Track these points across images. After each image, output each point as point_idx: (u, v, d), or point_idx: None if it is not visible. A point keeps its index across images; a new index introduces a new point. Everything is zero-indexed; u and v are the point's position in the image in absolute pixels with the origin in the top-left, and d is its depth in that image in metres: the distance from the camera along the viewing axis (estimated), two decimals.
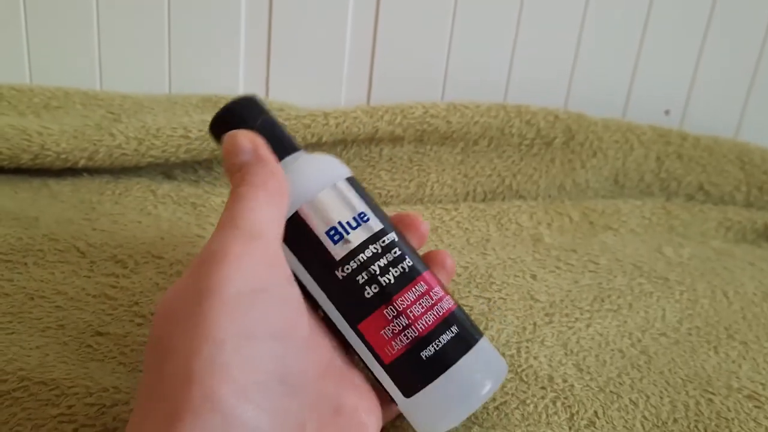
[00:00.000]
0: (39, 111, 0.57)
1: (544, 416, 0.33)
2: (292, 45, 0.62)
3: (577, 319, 0.41)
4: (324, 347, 0.28)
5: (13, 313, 0.36)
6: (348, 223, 0.29)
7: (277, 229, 0.27)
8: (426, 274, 0.29)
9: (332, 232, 0.28)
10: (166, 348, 0.23)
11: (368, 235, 0.29)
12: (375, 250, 0.28)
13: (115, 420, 0.29)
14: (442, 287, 0.30)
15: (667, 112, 0.66)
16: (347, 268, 0.28)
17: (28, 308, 0.36)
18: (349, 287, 0.28)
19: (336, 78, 0.63)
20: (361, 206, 0.29)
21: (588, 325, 0.41)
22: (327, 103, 0.60)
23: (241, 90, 0.63)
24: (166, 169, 0.55)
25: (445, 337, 0.28)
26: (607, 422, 0.33)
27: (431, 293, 0.29)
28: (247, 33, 0.62)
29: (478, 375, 0.29)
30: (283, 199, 0.27)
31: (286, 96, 0.63)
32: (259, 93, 0.63)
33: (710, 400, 0.36)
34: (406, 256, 0.29)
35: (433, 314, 0.28)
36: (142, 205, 0.50)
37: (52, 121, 0.54)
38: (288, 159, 0.30)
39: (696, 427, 0.34)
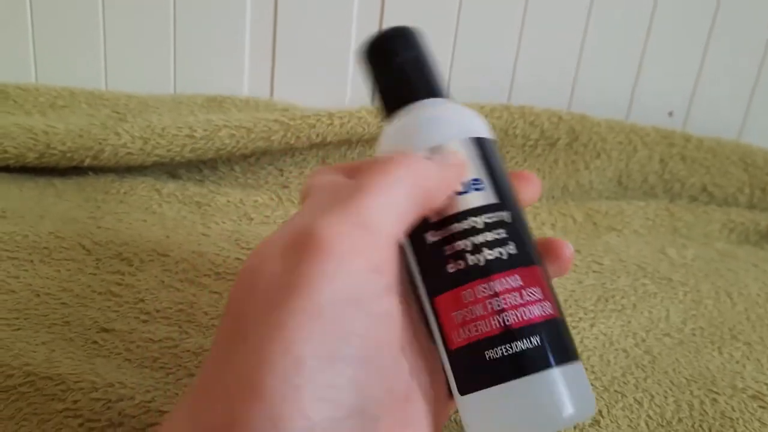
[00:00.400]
0: (45, 110, 0.58)
1: None
2: (297, 45, 0.62)
3: (581, 318, 0.41)
4: (417, 366, 0.25)
5: (19, 310, 0.36)
6: None
7: (398, 227, 0.23)
8: (529, 270, 0.25)
9: None
10: (241, 328, 0.20)
11: (473, 206, 0.25)
12: (475, 224, 0.25)
13: (120, 415, 0.29)
14: (546, 291, 0.25)
15: (670, 114, 0.66)
16: (438, 234, 0.25)
17: (34, 305, 0.36)
18: (435, 255, 0.25)
19: (341, 78, 0.63)
20: (480, 172, 0.25)
21: (592, 325, 0.41)
22: (332, 103, 0.60)
23: (246, 90, 0.63)
24: (170, 169, 0.55)
25: (521, 345, 0.24)
26: (611, 421, 0.33)
27: (525, 292, 0.24)
28: (252, 33, 0.62)
29: (549, 399, 0.24)
30: (421, 196, 0.24)
31: (291, 96, 0.63)
32: (263, 93, 0.64)
33: (714, 399, 0.36)
34: (512, 242, 0.25)
35: (516, 315, 0.24)
36: (147, 204, 0.50)
37: (58, 121, 0.54)
38: (426, 102, 0.27)
39: (700, 426, 0.34)
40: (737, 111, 0.67)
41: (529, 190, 0.28)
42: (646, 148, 0.60)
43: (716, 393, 0.36)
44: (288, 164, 0.57)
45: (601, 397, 0.35)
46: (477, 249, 0.24)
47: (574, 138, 0.58)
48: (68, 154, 0.52)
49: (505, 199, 0.26)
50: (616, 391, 0.35)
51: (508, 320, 0.24)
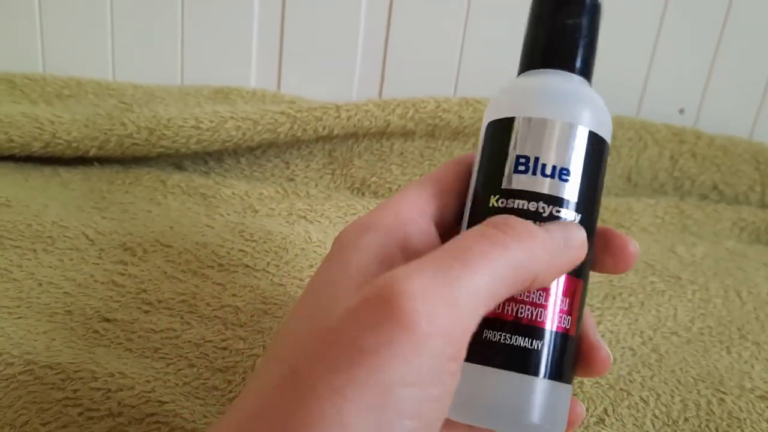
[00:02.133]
0: (51, 100, 0.58)
1: None
2: (304, 38, 0.62)
3: None
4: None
5: (21, 298, 0.36)
6: (543, 165, 0.24)
7: (488, 308, 0.20)
8: (572, 280, 0.24)
9: (522, 161, 0.24)
10: (296, 379, 0.19)
11: (544, 192, 0.23)
12: (532, 209, 0.23)
13: (120, 405, 0.28)
14: (574, 306, 0.24)
15: (681, 111, 0.65)
16: (499, 203, 0.24)
17: (36, 294, 0.36)
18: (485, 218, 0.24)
19: (348, 72, 0.63)
20: (573, 165, 0.24)
21: (599, 323, 0.40)
22: (339, 96, 0.59)
23: (253, 82, 0.63)
24: (176, 160, 0.55)
25: (520, 342, 0.23)
26: (617, 419, 0.33)
27: (556, 297, 0.23)
28: (259, 26, 0.61)
29: (519, 402, 0.23)
30: (527, 279, 0.21)
31: (298, 89, 0.62)
32: (270, 85, 0.63)
33: (722, 399, 0.35)
34: None
35: (532, 314, 0.23)
36: (151, 194, 0.50)
37: (64, 110, 0.54)
38: (573, 76, 0.25)
39: (707, 426, 0.33)
40: (749, 109, 0.66)
41: (616, 258, 0.25)
42: (656, 145, 0.59)
43: (724, 393, 0.35)
44: (294, 157, 0.57)
45: (607, 395, 0.34)
46: None
47: None
48: (74, 144, 0.51)
49: (582, 203, 0.24)
50: (621, 389, 0.35)
51: (522, 313, 0.23)
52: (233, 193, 0.52)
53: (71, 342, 0.32)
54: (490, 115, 0.25)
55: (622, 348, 0.39)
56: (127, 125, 0.52)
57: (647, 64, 0.64)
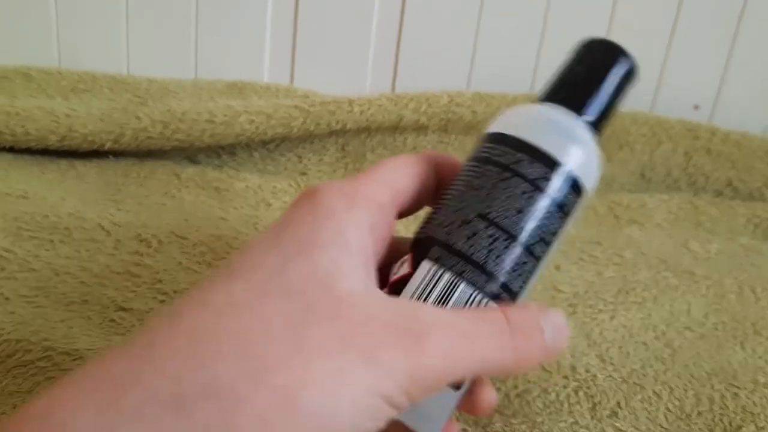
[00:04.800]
0: (67, 94, 0.58)
1: (566, 405, 0.33)
2: (317, 32, 0.62)
3: (600, 310, 0.41)
4: None
5: (39, 288, 0.36)
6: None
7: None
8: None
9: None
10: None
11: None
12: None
13: None
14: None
15: (696, 107, 0.65)
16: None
17: (54, 283, 0.37)
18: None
19: (361, 66, 0.63)
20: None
21: (612, 317, 0.40)
22: (352, 90, 0.59)
23: (266, 77, 0.63)
24: (190, 154, 0.56)
25: None
26: (630, 413, 0.33)
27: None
28: (273, 20, 0.62)
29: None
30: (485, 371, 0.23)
31: (311, 83, 0.63)
32: (283, 80, 0.64)
33: (735, 394, 0.35)
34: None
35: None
36: (166, 188, 0.51)
37: (80, 104, 0.54)
38: (580, 122, 0.26)
39: (721, 420, 0.33)
40: (765, 105, 0.65)
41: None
42: (670, 141, 0.59)
43: (737, 387, 0.35)
44: (307, 151, 0.57)
45: (620, 389, 0.34)
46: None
47: None
48: (89, 138, 0.52)
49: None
50: (635, 383, 0.35)
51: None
52: (247, 187, 0.52)
53: (88, 330, 0.33)
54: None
55: (635, 342, 0.38)
56: (142, 119, 0.52)
57: (662, 60, 0.64)
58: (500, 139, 0.25)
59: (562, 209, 0.25)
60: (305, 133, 0.54)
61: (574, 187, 0.25)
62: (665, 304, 0.43)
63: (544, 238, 0.24)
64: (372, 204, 0.23)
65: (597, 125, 0.26)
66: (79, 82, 0.59)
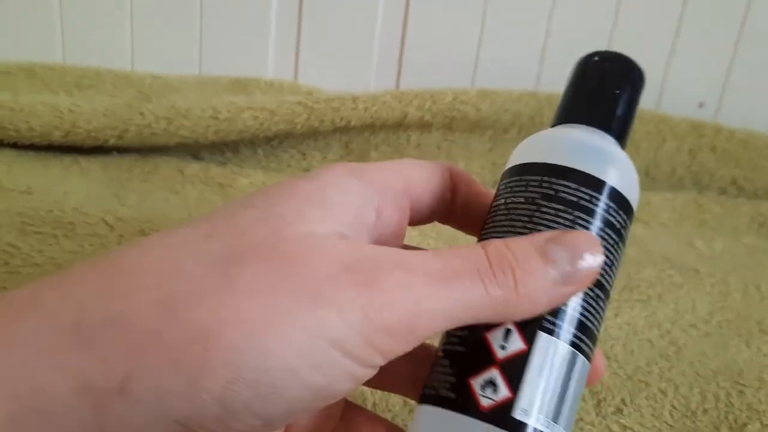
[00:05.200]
0: (71, 90, 0.58)
1: None
2: (322, 28, 0.62)
3: None
4: None
5: None
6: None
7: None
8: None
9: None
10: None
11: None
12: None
13: None
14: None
15: (700, 105, 0.65)
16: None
17: None
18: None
19: (365, 62, 0.63)
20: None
21: (616, 315, 0.40)
22: (356, 87, 0.59)
23: (270, 73, 0.63)
24: (194, 150, 0.56)
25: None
26: (635, 410, 0.33)
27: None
28: (277, 16, 0.62)
29: None
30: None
31: (315, 80, 0.62)
32: (288, 76, 0.63)
33: (741, 392, 0.35)
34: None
35: None
36: (170, 184, 0.50)
37: (84, 100, 0.54)
38: (604, 134, 0.24)
39: (726, 418, 0.33)
40: None
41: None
42: (675, 139, 0.58)
43: (743, 385, 0.35)
44: (311, 148, 0.57)
45: (625, 386, 0.34)
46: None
47: None
48: (93, 134, 0.52)
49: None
50: (639, 380, 0.35)
51: None
52: (250, 183, 0.52)
53: None
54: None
55: (640, 340, 0.38)
56: (146, 115, 0.52)
57: (667, 58, 0.63)
58: (559, 171, 0.23)
59: (624, 241, 0.23)
60: (309, 129, 0.54)
61: (630, 215, 0.23)
62: (670, 302, 0.42)
63: (613, 276, 0.23)
64: (379, 183, 0.21)
65: (624, 139, 0.25)
66: (83, 78, 0.59)
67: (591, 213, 0.22)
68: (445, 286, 0.18)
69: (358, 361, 0.17)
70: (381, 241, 0.21)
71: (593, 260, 0.20)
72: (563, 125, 0.25)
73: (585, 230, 0.22)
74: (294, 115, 0.53)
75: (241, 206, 0.19)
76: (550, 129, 0.25)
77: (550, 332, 0.21)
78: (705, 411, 0.33)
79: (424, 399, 0.22)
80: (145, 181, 0.50)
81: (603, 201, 0.22)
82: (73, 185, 0.48)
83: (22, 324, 0.16)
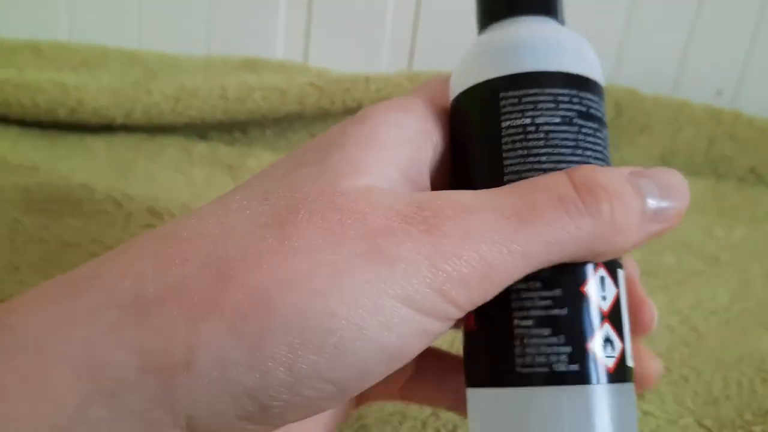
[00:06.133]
0: (77, 67, 0.57)
1: None
2: (332, 8, 0.61)
3: None
4: None
5: (48, 259, 0.35)
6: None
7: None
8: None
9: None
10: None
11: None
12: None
13: None
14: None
15: (718, 93, 0.64)
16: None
17: (63, 254, 0.36)
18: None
19: (377, 43, 0.62)
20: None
21: None
22: (367, 68, 0.58)
23: (280, 53, 0.62)
24: (201, 130, 0.55)
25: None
26: (656, 396, 0.32)
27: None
28: None
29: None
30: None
31: (326, 61, 0.61)
32: (297, 57, 0.62)
33: (764, 379, 0.34)
34: None
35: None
36: (177, 164, 0.50)
37: (90, 78, 0.53)
38: (536, 18, 0.21)
39: (749, 405, 0.32)
40: None
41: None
42: (693, 126, 0.57)
43: (766, 372, 0.34)
44: (321, 129, 0.56)
45: None
46: None
47: (619, 112, 0.56)
48: (99, 111, 0.51)
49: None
50: None
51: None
52: (258, 164, 0.51)
53: None
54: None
55: (660, 326, 0.37)
56: (153, 93, 0.51)
57: (684, 44, 0.62)
58: (582, 84, 0.20)
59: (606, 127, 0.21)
60: (319, 111, 0.53)
61: (603, 96, 0.21)
62: (690, 288, 0.41)
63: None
64: (427, 109, 0.20)
65: (556, 11, 0.22)
66: (89, 56, 0.58)
67: (605, 125, 0.20)
68: (521, 223, 0.16)
69: (431, 315, 0.16)
70: (443, 168, 0.20)
71: (682, 199, 0.19)
72: (510, 19, 0.21)
73: (665, 168, 0.19)
74: (304, 95, 0.52)
75: (293, 162, 0.18)
76: (511, 26, 0.21)
77: (622, 267, 0.19)
78: (728, 397, 0.32)
79: (526, 380, 0.18)
80: (151, 161, 0.50)
81: (603, 105, 0.20)
82: (80, 163, 0.47)
83: (83, 301, 0.15)
